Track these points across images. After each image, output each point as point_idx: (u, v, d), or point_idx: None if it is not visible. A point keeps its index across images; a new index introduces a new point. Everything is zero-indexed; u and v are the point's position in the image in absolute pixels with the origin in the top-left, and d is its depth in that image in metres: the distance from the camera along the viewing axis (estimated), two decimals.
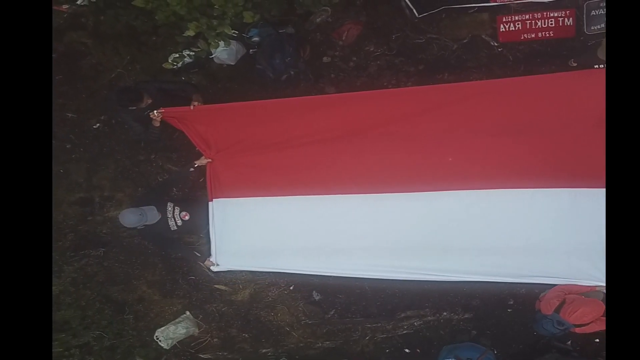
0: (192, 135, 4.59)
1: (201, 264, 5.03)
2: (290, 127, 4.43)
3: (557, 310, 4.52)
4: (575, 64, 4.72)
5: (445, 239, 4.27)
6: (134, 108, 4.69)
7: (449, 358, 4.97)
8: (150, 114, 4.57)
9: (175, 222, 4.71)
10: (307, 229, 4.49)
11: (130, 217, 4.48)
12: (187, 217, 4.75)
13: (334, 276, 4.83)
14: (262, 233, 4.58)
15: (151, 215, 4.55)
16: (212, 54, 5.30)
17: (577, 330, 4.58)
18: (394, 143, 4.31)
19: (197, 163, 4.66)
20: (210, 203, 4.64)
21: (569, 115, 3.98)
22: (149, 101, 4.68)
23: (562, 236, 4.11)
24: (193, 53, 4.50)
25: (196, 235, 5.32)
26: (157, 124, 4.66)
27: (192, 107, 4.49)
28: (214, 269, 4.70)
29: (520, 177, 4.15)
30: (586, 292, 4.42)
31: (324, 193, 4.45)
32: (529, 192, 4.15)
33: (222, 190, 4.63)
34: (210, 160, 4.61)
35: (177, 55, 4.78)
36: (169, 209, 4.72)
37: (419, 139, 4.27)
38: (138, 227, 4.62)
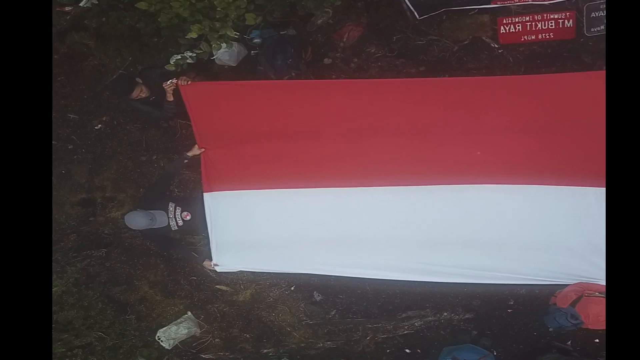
0: (195, 118, 4.41)
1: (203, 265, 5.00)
2: (307, 112, 4.35)
3: (574, 304, 4.52)
4: None
5: (468, 233, 4.27)
6: (131, 96, 4.68)
7: (447, 359, 4.98)
8: (164, 84, 4.50)
9: (177, 222, 4.69)
10: (323, 223, 4.42)
11: (139, 220, 4.45)
12: (188, 217, 4.72)
13: (336, 276, 4.79)
14: (272, 229, 4.47)
15: (160, 220, 4.52)
16: (213, 55, 5.31)
17: (590, 326, 4.59)
18: (418, 136, 4.27)
19: (190, 154, 4.55)
20: (206, 195, 4.51)
21: (599, 115, 3.98)
22: (143, 95, 4.67)
23: (586, 235, 4.12)
24: (195, 54, 4.51)
25: (198, 236, 5.34)
26: (171, 98, 4.60)
27: (167, 82, 4.40)
28: (218, 269, 4.63)
29: (547, 173, 4.17)
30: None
31: (343, 185, 4.37)
32: (555, 189, 4.16)
33: (221, 182, 4.50)
34: (203, 149, 4.48)
35: (179, 57, 4.79)
36: (170, 209, 4.70)
37: (446, 131, 4.24)
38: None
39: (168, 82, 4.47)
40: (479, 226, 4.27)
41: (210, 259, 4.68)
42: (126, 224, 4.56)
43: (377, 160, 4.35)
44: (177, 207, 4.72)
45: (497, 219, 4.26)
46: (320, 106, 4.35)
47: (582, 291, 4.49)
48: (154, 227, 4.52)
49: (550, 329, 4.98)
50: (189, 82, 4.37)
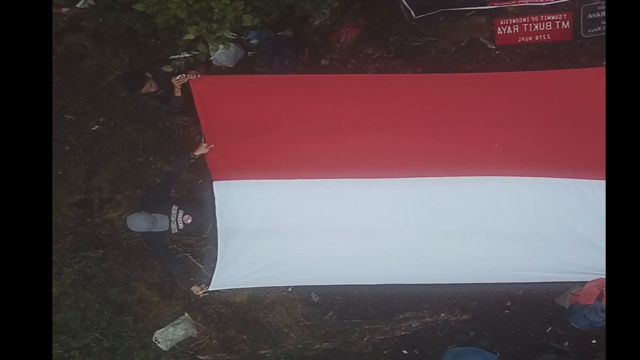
0: (204, 113, 4.36)
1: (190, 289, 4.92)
2: (320, 106, 4.30)
3: (599, 298, 4.52)
4: None
5: (490, 224, 4.26)
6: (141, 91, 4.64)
7: None
8: (173, 79, 4.45)
9: (177, 226, 4.62)
10: (336, 216, 4.38)
11: (140, 223, 4.37)
12: (189, 221, 4.65)
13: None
14: (281, 220, 4.43)
15: (161, 224, 4.47)
16: (211, 57, 5.30)
17: None
18: (432, 128, 4.25)
19: (197, 153, 4.49)
20: (215, 183, 4.45)
21: None
22: (152, 90, 4.66)
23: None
24: (192, 55, 4.50)
25: (195, 238, 5.34)
26: (178, 93, 4.56)
27: (177, 77, 4.37)
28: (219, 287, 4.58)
29: (565, 167, 4.18)
30: None
31: (359, 177, 4.34)
32: (574, 182, 4.17)
33: (230, 171, 4.45)
34: (212, 146, 4.43)
35: (176, 58, 4.78)
36: (173, 212, 4.62)
37: (461, 124, 4.24)
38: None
39: (177, 77, 4.42)
40: (502, 217, 4.26)
41: (199, 284, 4.70)
42: (127, 224, 4.51)
43: (391, 153, 4.33)
44: (180, 210, 4.65)
45: (520, 210, 4.25)
46: (334, 100, 4.32)
47: (603, 285, 4.49)
48: (154, 230, 4.48)
49: (582, 329, 4.95)
50: (199, 76, 4.34)
